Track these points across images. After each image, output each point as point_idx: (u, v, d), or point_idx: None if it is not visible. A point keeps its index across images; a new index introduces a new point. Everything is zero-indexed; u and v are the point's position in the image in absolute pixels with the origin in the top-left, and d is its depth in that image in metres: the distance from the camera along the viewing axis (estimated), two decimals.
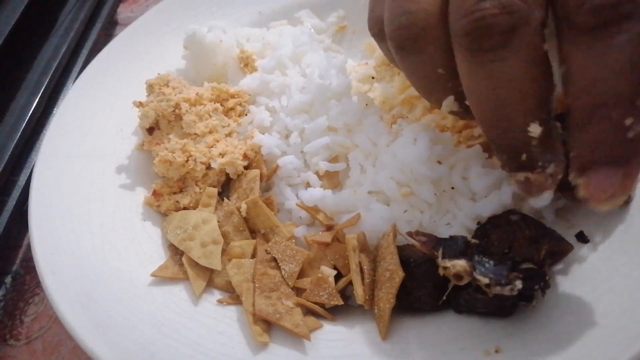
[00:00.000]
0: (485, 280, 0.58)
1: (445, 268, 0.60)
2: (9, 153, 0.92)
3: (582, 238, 0.67)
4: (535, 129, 0.54)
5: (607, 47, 0.49)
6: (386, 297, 0.64)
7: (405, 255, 0.65)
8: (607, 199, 0.51)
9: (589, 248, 0.65)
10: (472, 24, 0.52)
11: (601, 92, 0.50)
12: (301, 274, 0.71)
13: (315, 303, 0.68)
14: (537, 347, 0.58)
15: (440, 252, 0.61)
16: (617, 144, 0.50)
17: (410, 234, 0.65)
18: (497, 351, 0.59)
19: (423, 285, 0.64)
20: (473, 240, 0.63)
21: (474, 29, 0.52)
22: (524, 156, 0.56)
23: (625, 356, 0.54)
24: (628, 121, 0.49)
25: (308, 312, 0.69)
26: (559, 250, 0.63)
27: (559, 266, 0.64)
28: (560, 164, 0.56)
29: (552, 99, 0.54)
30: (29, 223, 0.77)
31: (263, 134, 0.84)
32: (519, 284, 0.57)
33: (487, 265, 0.59)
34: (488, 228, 0.66)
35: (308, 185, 0.79)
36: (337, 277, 0.70)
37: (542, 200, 0.61)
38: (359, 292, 0.66)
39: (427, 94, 0.64)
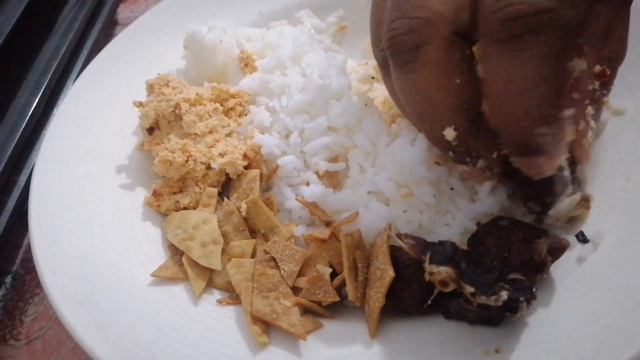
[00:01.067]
0: (471, 289, 0.57)
1: (431, 274, 0.59)
2: (9, 153, 0.92)
3: (582, 238, 0.66)
4: (449, 133, 0.59)
5: (516, 60, 0.52)
6: (376, 296, 0.64)
7: (395, 256, 0.65)
8: (538, 175, 0.57)
9: (588, 248, 0.65)
10: (388, 41, 0.58)
11: (511, 103, 0.54)
12: (299, 273, 0.71)
13: (312, 301, 0.68)
14: (537, 347, 0.58)
15: (427, 256, 0.60)
16: (531, 145, 0.56)
17: (399, 235, 0.65)
18: (497, 351, 0.59)
19: (409, 287, 0.64)
20: (462, 247, 0.63)
21: (389, 47, 0.58)
22: (450, 153, 0.62)
23: (625, 356, 0.54)
24: (537, 130, 0.54)
25: (307, 311, 0.69)
26: (558, 246, 0.63)
27: (558, 266, 0.64)
28: (489, 159, 0.60)
29: (474, 101, 0.58)
30: (29, 223, 0.77)
31: (263, 134, 0.84)
32: (504, 295, 0.56)
33: (473, 273, 0.59)
34: (481, 236, 0.66)
35: (308, 185, 0.79)
36: (334, 275, 0.70)
37: (485, 190, 0.67)
38: (351, 289, 0.66)
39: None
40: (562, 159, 0.57)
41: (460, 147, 0.60)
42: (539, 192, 0.62)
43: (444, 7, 0.54)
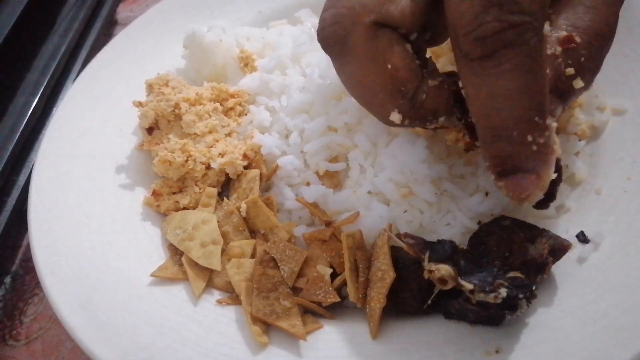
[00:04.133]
0: (470, 286, 0.57)
1: (430, 272, 0.59)
2: (8, 153, 0.92)
3: (582, 238, 0.66)
4: (395, 117, 0.60)
5: (496, 76, 0.51)
6: (377, 297, 0.64)
7: (395, 256, 0.65)
8: (525, 199, 0.54)
9: (589, 248, 0.65)
10: (319, 35, 0.60)
11: (498, 116, 0.53)
12: (298, 274, 0.70)
13: (313, 302, 0.68)
14: (537, 347, 0.58)
15: (426, 255, 0.60)
16: (524, 157, 0.53)
17: (399, 235, 0.65)
18: (497, 351, 0.59)
19: (409, 287, 0.64)
20: (462, 246, 0.63)
21: (320, 40, 0.60)
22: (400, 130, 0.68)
23: (625, 356, 0.54)
24: (529, 138, 0.52)
25: (307, 311, 0.69)
26: (560, 247, 0.63)
27: (559, 266, 0.64)
28: (442, 120, 0.62)
29: (411, 80, 0.58)
30: (28, 223, 0.77)
31: (263, 133, 0.84)
32: (503, 292, 0.56)
33: (472, 271, 0.59)
34: (482, 235, 0.66)
35: (308, 185, 0.79)
36: (334, 276, 0.70)
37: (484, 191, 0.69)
38: (352, 290, 0.66)
39: None
40: (551, 178, 0.54)
41: (410, 124, 0.62)
42: None
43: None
